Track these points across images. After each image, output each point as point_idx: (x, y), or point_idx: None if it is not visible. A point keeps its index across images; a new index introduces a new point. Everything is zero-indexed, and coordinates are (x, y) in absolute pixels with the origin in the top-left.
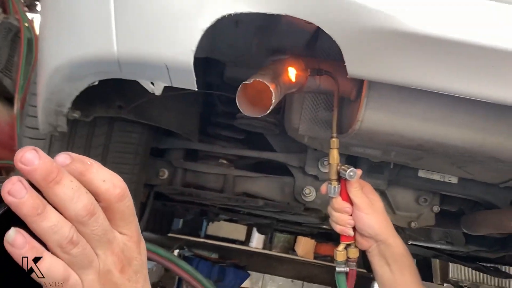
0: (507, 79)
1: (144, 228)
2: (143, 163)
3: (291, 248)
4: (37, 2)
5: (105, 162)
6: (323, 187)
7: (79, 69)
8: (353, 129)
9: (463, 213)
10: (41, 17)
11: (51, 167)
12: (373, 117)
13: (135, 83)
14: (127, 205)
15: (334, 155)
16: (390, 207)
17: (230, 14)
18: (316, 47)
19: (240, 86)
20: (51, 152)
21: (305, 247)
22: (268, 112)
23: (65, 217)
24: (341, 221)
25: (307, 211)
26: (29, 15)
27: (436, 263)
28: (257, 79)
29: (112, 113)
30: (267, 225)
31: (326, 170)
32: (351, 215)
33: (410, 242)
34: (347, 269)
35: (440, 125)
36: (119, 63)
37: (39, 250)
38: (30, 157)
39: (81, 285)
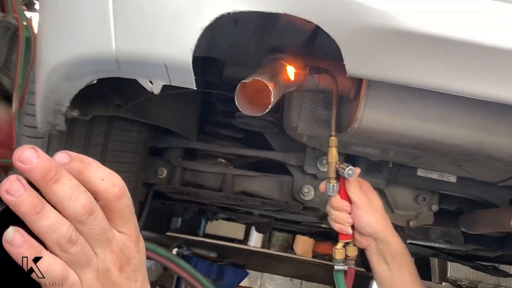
0: (506, 78)
1: (143, 227)
2: (142, 162)
3: (289, 247)
4: (35, 1)
5: (104, 161)
6: (322, 186)
7: (77, 68)
8: (352, 128)
9: (461, 212)
10: (40, 16)
11: (50, 165)
12: (372, 116)
13: (134, 82)
14: (126, 204)
15: (333, 153)
16: (389, 206)
17: (229, 13)
18: (315, 46)
19: (239, 85)
20: (50, 151)
21: (303, 246)
22: (266, 111)
23: (64, 216)
24: (339, 219)
25: (305, 210)
26: (28, 14)
27: (434, 262)
28: (256, 78)
29: (110, 112)
30: (265, 224)
31: (325, 169)
32: (349, 213)
33: (408, 241)
34: (346, 268)
35: (439, 124)
36: (118, 62)
37: (37, 249)
38: (28, 155)
39: (80, 284)
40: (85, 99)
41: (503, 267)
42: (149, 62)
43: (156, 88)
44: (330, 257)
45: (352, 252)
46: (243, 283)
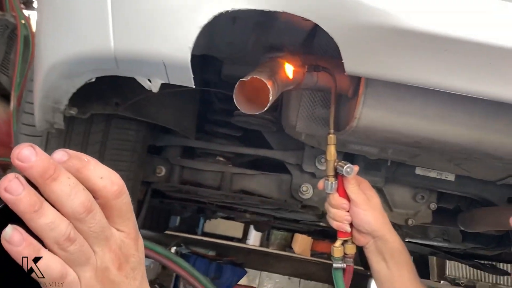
0: (504, 76)
1: (142, 226)
2: (141, 161)
3: (288, 246)
4: None
5: (102, 159)
6: (320, 183)
7: (76, 66)
8: (351, 127)
9: (460, 210)
10: (38, 14)
11: (48, 164)
12: (370, 114)
13: (132, 80)
14: (124, 202)
15: (331, 151)
16: (387, 204)
17: (228, 11)
18: (313, 44)
19: (238, 83)
20: (48, 149)
21: (302, 244)
22: (265, 109)
23: (62, 214)
24: (338, 217)
25: (304, 209)
26: (26, 12)
27: (433, 260)
28: (255, 76)
29: (109, 110)
30: (263, 222)
31: (323, 168)
32: (348, 211)
33: (407, 240)
34: (344, 265)
35: (437, 122)
36: (116, 60)
37: (36, 247)
38: (27, 153)
39: (78, 282)
40: (84, 98)
41: (501, 265)
42: (147, 61)
43: (154, 87)
44: (329, 256)
45: (351, 250)
46: (241, 282)
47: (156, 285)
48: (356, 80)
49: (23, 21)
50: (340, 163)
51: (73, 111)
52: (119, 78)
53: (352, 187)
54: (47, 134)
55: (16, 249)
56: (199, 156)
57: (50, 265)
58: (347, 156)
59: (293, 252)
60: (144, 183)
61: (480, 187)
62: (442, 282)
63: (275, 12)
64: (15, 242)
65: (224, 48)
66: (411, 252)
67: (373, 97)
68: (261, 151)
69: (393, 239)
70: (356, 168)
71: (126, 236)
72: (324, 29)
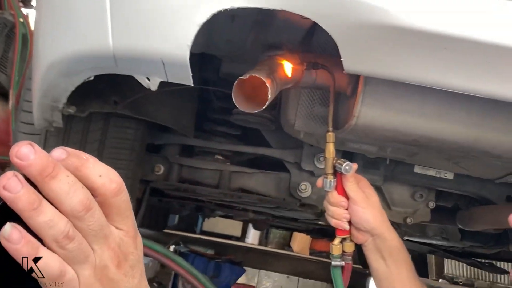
0: (502, 75)
1: (140, 224)
2: (139, 159)
3: (286, 244)
4: None
5: (101, 157)
6: (319, 181)
7: (74, 64)
8: (349, 125)
9: (458, 209)
10: (36, 12)
11: (47, 161)
12: (369, 112)
13: (131, 79)
14: (123, 200)
15: (330, 149)
16: (386, 203)
17: (227, 9)
18: (312, 42)
19: (236, 81)
20: (47, 147)
21: (300, 243)
22: (264, 107)
23: (61, 212)
24: (336, 215)
25: (302, 207)
26: (24, 11)
27: (431, 258)
28: (253, 75)
29: (107, 108)
30: (262, 221)
31: (322, 166)
32: (346, 209)
33: (405, 238)
34: (343, 263)
35: (435, 120)
36: (115, 58)
37: (35, 245)
38: (25, 151)
39: (77, 280)
40: (82, 96)
41: (500, 264)
42: (146, 59)
43: (153, 85)
44: (327, 254)
45: (349, 247)
46: (240, 280)
47: (155, 284)
48: (355, 78)
49: (21, 20)
50: (339, 161)
51: (72, 110)
52: (117, 76)
53: (350, 185)
54: (46, 132)
55: (14, 247)
56: (198, 154)
57: (48, 263)
58: (346, 155)
59: (292, 251)
60: (143, 182)
61: (479, 185)
62: (440, 280)
63: (273, 10)
64: (13, 240)
65: (222, 46)
66: (410, 251)
67: (371, 96)
68: (260, 150)
69: (391, 237)
70: (355, 166)
71: (125, 234)
72: (323, 27)
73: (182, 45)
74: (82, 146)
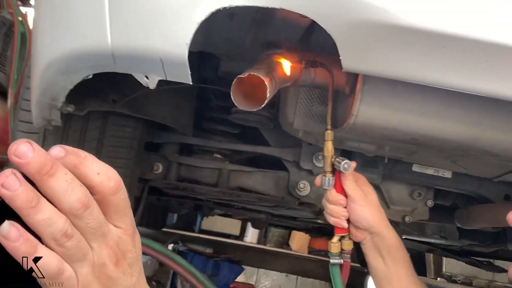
0: (501, 74)
1: (139, 223)
2: (138, 157)
3: (285, 243)
4: None
5: (99, 156)
6: (318, 179)
7: (73, 63)
8: (348, 123)
9: (457, 207)
10: (35, 11)
11: (45, 160)
12: (367, 111)
13: (130, 77)
14: (121, 198)
15: (329, 147)
16: (384, 201)
17: (225, 8)
18: (311, 41)
19: (235, 80)
20: (45, 146)
21: (299, 241)
22: (262, 106)
23: (60, 210)
24: (335, 213)
25: (301, 206)
26: (23, 9)
27: (430, 257)
28: (252, 73)
29: (106, 107)
30: (261, 219)
31: (320, 165)
32: (345, 207)
33: (404, 237)
34: (341, 261)
35: (434, 119)
36: (114, 57)
37: (33, 243)
38: (24, 149)
39: (75, 278)
40: (81, 94)
41: (498, 262)
42: (144, 57)
43: (152, 83)
44: (326, 253)
45: (348, 245)
46: (239, 279)
47: (153, 282)
48: (354, 77)
49: (20, 18)
50: (337, 159)
51: (70, 108)
52: (116, 75)
53: (349, 183)
54: (44, 131)
55: (13, 244)
56: (197, 153)
57: (47, 261)
58: (345, 153)
59: (291, 250)
60: (141, 180)
61: (477, 184)
62: (439, 279)
63: (272, 8)
64: (12, 237)
65: (221, 45)
66: (408, 249)
67: (370, 94)
68: (259, 148)
69: (390, 235)
70: (353, 164)
71: (123, 232)
72: (322, 26)
73: (180, 43)
74: (80, 144)
